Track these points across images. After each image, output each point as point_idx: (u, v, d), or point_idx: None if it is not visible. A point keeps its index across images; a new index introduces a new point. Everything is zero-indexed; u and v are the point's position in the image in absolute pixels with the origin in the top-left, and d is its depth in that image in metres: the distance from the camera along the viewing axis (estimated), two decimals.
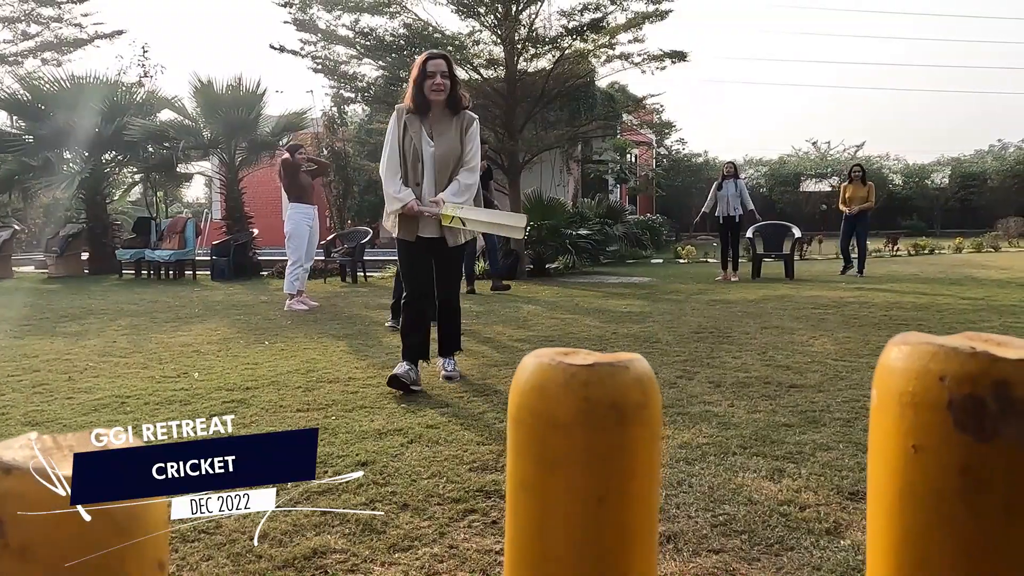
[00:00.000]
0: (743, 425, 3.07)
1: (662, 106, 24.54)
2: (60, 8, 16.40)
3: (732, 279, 9.78)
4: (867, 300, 7.34)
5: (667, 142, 26.05)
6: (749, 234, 10.60)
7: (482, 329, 5.81)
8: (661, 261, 14.38)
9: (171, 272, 11.77)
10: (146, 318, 6.86)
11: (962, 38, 71.54)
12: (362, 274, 10.55)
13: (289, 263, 7.50)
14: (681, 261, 14.12)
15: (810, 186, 25.50)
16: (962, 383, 0.67)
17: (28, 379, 4.23)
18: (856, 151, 26.29)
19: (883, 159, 26.08)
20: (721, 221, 10.03)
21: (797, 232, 10.68)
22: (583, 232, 11.76)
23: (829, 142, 31.54)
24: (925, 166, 25.70)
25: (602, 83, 13.80)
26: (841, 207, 10.22)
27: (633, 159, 20.15)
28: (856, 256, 10.18)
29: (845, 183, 10.31)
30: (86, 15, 16.95)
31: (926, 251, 15.58)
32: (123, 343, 5.44)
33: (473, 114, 3.87)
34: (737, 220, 10.02)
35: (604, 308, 7.04)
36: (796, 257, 10.69)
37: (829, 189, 23.80)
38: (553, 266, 11.85)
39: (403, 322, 3.92)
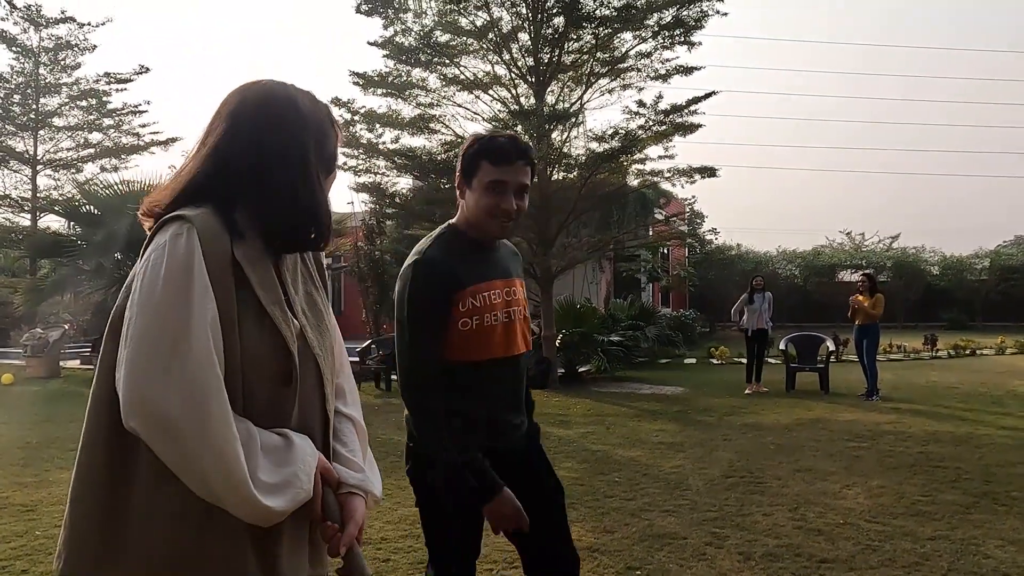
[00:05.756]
0: None
1: (694, 197, 24.90)
2: (120, 118, 17.51)
3: (762, 390, 9.80)
4: (904, 429, 7.23)
5: (699, 231, 26.27)
6: (782, 345, 10.62)
7: None
8: (694, 361, 14.34)
9: None
10: None
11: (995, 123, 71.75)
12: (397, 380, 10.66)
13: None
14: (714, 362, 14.08)
15: (847, 277, 25.34)
16: None
17: None
18: (892, 242, 26.15)
19: (919, 251, 25.91)
20: (749, 334, 10.14)
21: (831, 344, 10.65)
22: (614, 339, 11.85)
23: (864, 233, 31.44)
24: (963, 258, 25.38)
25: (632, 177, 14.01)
26: (849, 315, 9.77)
27: (666, 251, 20.33)
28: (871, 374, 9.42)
29: (856, 295, 9.72)
30: (144, 125, 18.09)
31: (967, 352, 15.32)
32: None
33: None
34: (768, 332, 10.16)
35: (635, 436, 7.04)
36: (832, 360, 10.57)
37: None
38: (585, 369, 11.91)
39: None
